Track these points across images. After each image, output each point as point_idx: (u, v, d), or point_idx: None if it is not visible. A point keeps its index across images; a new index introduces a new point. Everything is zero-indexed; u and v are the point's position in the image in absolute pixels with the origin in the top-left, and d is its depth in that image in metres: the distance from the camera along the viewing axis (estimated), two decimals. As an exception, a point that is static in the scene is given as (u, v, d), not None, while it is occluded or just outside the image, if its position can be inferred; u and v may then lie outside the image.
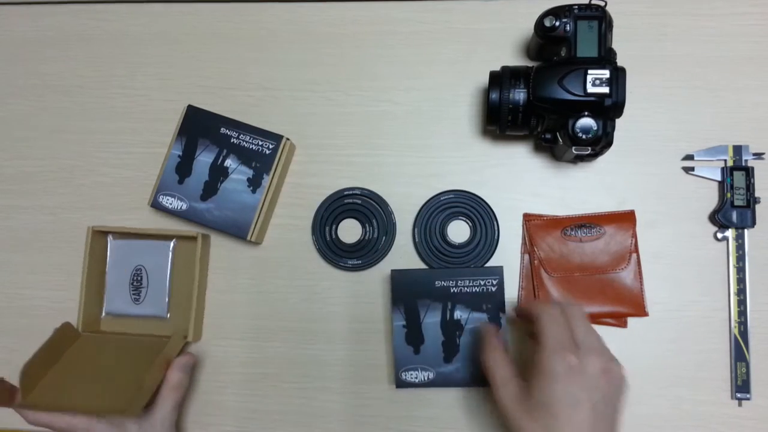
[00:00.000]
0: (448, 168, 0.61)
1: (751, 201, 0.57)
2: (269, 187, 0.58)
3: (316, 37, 0.64)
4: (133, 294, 0.61)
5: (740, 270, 0.57)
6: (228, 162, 0.59)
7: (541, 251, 0.58)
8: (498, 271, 0.57)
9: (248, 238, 0.57)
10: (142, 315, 0.61)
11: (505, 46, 0.62)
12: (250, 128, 0.59)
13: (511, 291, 0.59)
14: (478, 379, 0.55)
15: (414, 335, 0.56)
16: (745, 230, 0.57)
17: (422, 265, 0.60)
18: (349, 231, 0.61)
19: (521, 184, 0.60)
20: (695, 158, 0.59)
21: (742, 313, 0.57)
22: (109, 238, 0.62)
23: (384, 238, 0.60)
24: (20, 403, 0.52)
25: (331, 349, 0.60)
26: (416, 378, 0.56)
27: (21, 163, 0.65)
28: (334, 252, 0.60)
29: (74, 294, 0.60)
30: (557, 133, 0.53)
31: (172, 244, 0.61)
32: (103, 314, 0.62)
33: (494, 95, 0.54)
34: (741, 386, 0.56)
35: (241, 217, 0.58)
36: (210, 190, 0.58)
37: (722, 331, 0.57)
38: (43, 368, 0.55)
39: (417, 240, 0.60)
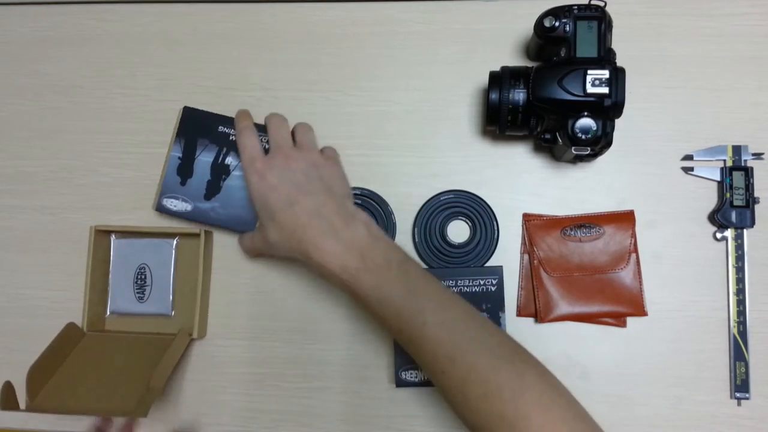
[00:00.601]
0: (448, 168, 0.61)
1: (751, 201, 0.57)
2: None
3: (316, 38, 0.64)
4: (138, 292, 0.62)
5: (739, 270, 0.57)
6: (229, 159, 0.59)
7: (540, 251, 0.58)
8: (497, 271, 0.57)
9: None
10: (147, 313, 0.61)
11: (505, 46, 0.62)
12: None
13: (511, 291, 0.59)
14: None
15: (414, 335, 0.56)
16: (745, 230, 0.57)
17: (422, 265, 0.60)
18: (349, 231, 0.61)
19: (521, 184, 0.60)
20: (695, 158, 0.59)
21: (741, 312, 0.57)
22: (112, 237, 0.62)
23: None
24: (27, 406, 0.52)
25: (331, 349, 0.60)
26: (416, 377, 0.56)
27: (21, 163, 0.65)
28: (334, 252, 0.61)
29: (74, 294, 0.60)
30: (557, 134, 0.53)
31: (175, 241, 0.61)
32: (108, 313, 0.62)
33: (494, 95, 0.54)
34: (740, 386, 0.56)
35: (246, 213, 0.58)
36: (213, 188, 0.59)
37: (721, 330, 0.57)
38: (50, 370, 0.55)
39: (417, 240, 0.60)
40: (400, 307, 0.46)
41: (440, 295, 0.47)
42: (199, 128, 0.60)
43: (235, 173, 0.59)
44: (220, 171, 0.59)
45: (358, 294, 0.48)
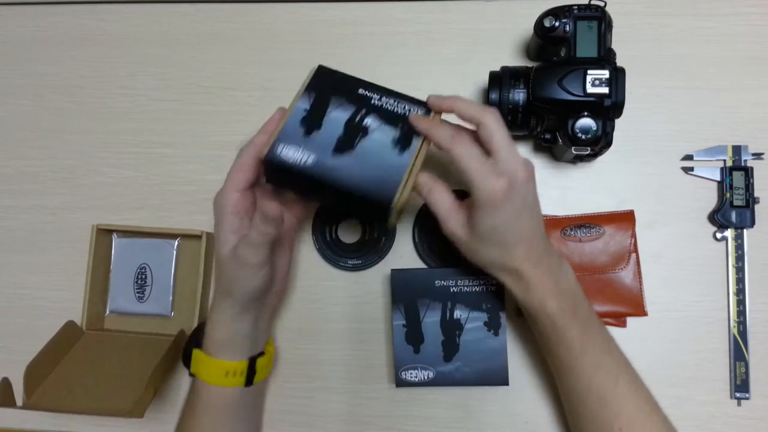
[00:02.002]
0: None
1: (751, 201, 0.57)
2: (419, 150, 0.47)
3: (317, 38, 0.64)
4: (138, 292, 0.62)
5: (739, 270, 0.57)
6: (368, 121, 0.47)
7: (540, 251, 0.58)
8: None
9: (393, 203, 0.45)
10: (146, 313, 0.61)
11: (505, 46, 0.62)
12: (395, 93, 0.49)
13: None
14: (478, 378, 0.55)
15: (414, 335, 0.56)
16: (744, 230, 0.57)
17: (422, 265, 0.60)
18: (349, 231, 0.61)
19: (521, 184, 0.60)
20: (695, 158, 0.59)
21: (741, 312, 0.57)
22: (114, 236, 0.62)
23: (384, 238, 0.60)
24: (24, 403, 0.52)
25: (331, 349, 0.60)
26: (416, 377, 0.56)
27: (21, 163, 0.65)
28: (334, 252, 0.60)
29: (74, 294, 0.60)
30: (557, 134, 0.53)
31: (176, 242, 0.62)
32: (107, 312, 0.62)
33: (494, 95, 0.54)
34: (740, 386, 0.56)
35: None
36: (345, 145, 0.46)
37: (721, 330, 0.57)
38: (47, 367, 0.55)
39: (417, 240, 0.60)
40: (600, 360, 0.48)
41: (623, 356, 0.49)
42: (334, 88, 0.49)
43: (374, 136, 0.47)
44: (355, 129, 0.47)
45: (564, 338, 0.47)
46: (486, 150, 0.45)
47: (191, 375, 0.51)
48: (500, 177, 0.44)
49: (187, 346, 0.52)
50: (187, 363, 0.52)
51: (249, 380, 0.51)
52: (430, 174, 0.48)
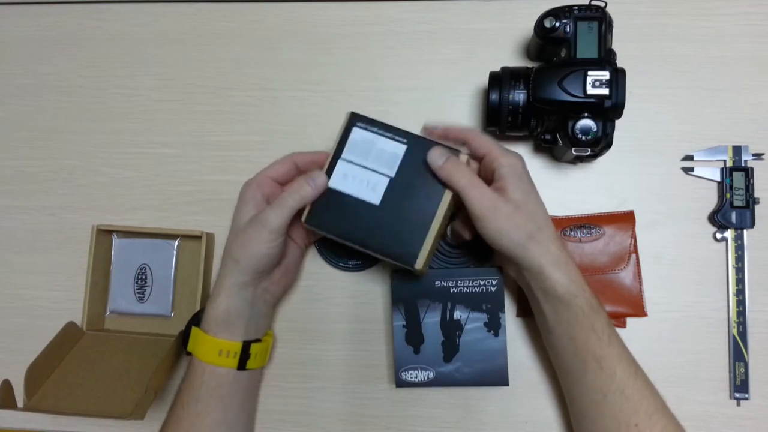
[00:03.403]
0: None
1: (751, 202, 0.57)
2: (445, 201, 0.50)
3: (316, 37, 0.64)
4: (138, 292, 0.62)
5: (739, 270, 0.57)
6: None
7: (540, 251, 0.58)
8: (497, 272, 0.57)
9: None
10: (147, 313, 0.62)
11: (505, 46, 0.62)
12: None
13: (511, 291, 0.59)
14: (478, 379, 0.55)
15: (414, 335, 0.56)
16: (744, 231, 0.57)
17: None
18: (349, 231, 0.61)
19: (521, 184, 0.60)
20: (695, 158, 0.59)
21: (741, 313, 0.57)
22: (114, 236, 0.62)
23: (384, 238, 0.60)
24: (25, 405, 0.52)
25: (331, 349, 0.60)
26: (416, 378, 0.56)
27: (21, 163, 0.65)
28: (334, 252, 0.60)
29: (74, 294, 0.60)
30: (557, 134, 0.53)
31: (176, 242, 0.62)
32: (108, 312, 0.62)
33: (494, 96, 0.54)
34: (739, 386, 0.56)
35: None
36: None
37: (721, 331, 0.57)
38: (48, 369, 0.55)
39: (417, 240, 0.60)
40: (623, 352, 0.48)
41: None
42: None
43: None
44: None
45: (595, 325, 0.48)
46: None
47: (188, 353, 0.52)
48: (513, 153, 0.49)
49: (187, 325, 0.54)
50: (186, 342, 0.53)
51: (242, 364, 0.52)
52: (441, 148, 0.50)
